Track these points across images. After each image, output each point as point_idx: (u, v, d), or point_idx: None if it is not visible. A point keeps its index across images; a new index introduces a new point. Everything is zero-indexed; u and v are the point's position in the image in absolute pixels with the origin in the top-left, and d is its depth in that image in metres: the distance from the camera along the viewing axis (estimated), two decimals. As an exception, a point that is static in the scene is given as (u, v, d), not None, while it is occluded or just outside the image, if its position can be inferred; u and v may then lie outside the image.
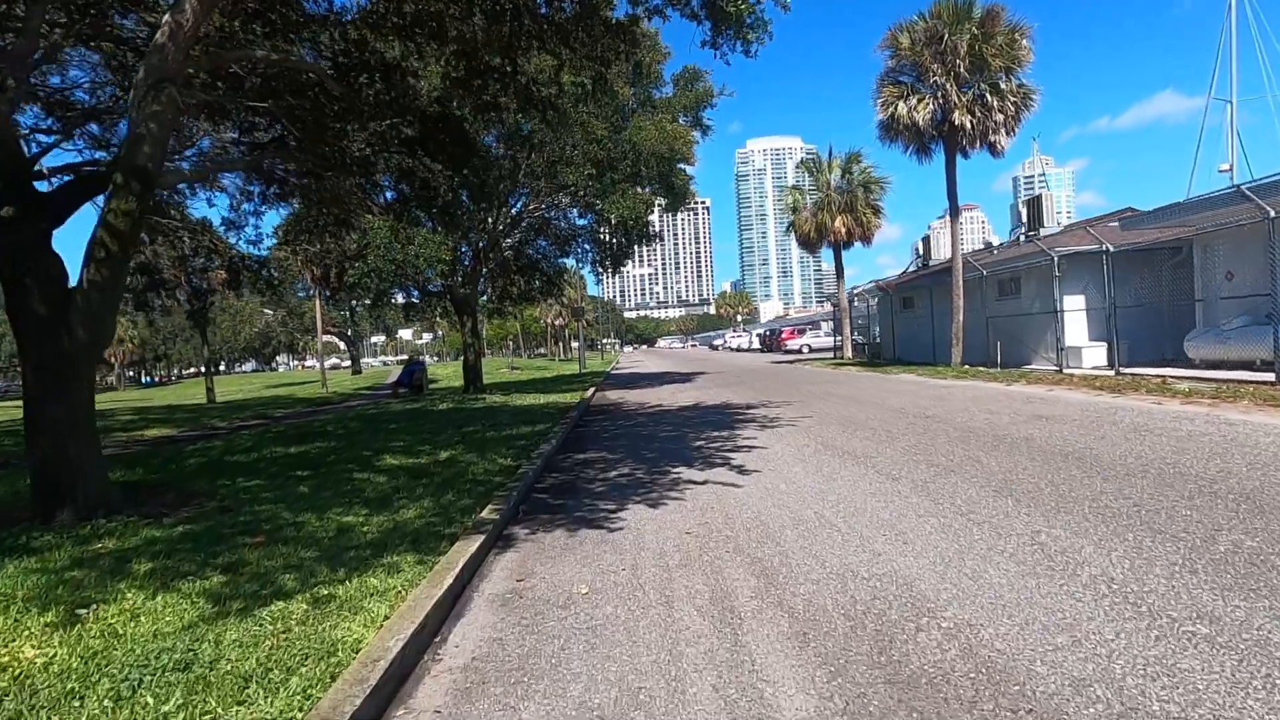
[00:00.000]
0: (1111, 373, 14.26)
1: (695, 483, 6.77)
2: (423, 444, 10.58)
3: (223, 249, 20.49)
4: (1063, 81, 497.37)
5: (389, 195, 11.53)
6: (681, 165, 19.72)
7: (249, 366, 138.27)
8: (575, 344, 53.25)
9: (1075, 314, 16.53)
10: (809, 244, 28.42)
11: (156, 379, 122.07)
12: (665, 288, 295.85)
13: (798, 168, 28.62)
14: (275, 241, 18.67)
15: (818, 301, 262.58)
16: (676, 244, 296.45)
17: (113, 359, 76.79)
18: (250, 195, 18.45)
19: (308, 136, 9.05)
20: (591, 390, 20.51)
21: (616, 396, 19.09)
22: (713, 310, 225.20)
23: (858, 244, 28.84)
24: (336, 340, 72.20)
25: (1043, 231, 19.67)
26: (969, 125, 17.22)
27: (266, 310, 56.74)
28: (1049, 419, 9.22)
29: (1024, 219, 20.99)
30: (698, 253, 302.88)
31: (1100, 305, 15.99)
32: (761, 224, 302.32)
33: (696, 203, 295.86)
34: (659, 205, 20.63)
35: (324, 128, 8.96)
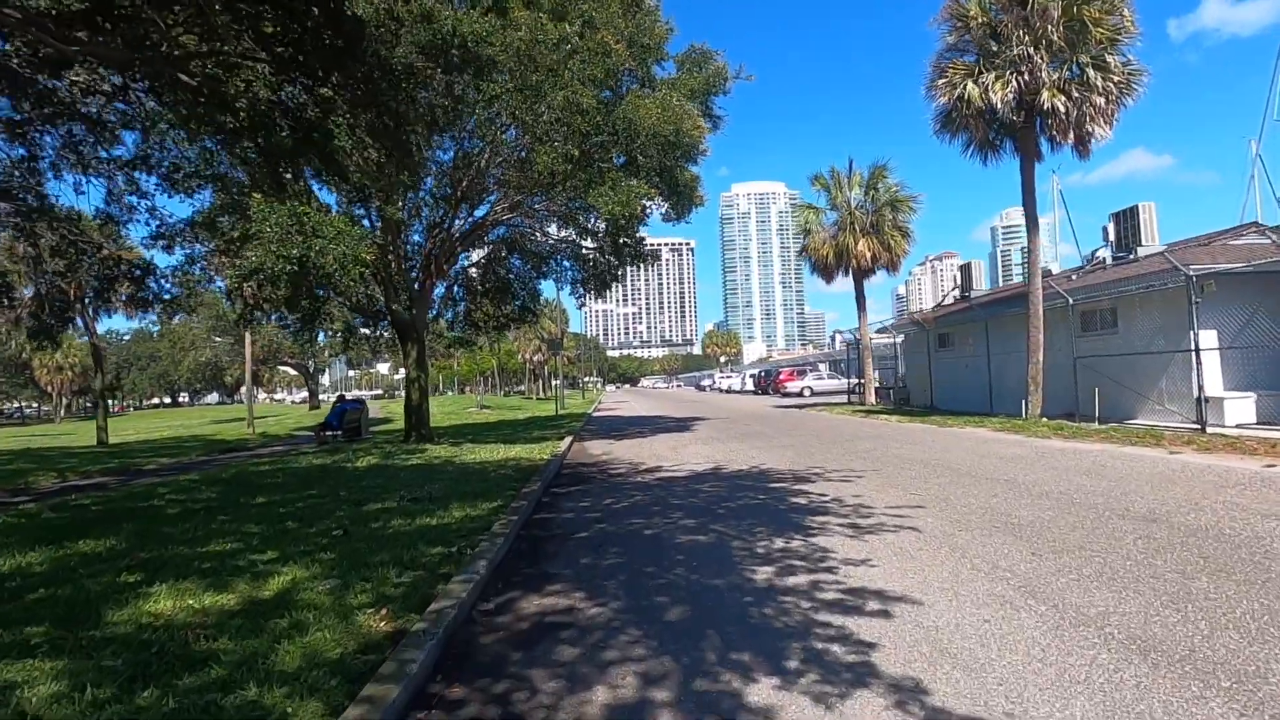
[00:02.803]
0: (1300, 435, 10.11)
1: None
2: (268, 545, 6.13)
3: (108, 253, 15.94)
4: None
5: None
6: (688, 165, 15.65)
7: (213, 398, 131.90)
8: (556, 381, 48.64)
9: (1206, 353, 12.48)
10: (825, 270, 24.42)
11: (115, 409, 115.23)
12: (649, 327, 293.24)
13: (812, 182, 24.87)
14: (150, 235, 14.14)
15: (801, 344, 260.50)
16: (661, 284, 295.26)
17: (49, 388, 70.54)
18: (133, 182, 14.15)
19: None
20: (568, 440, 16.00)
21: (600, 450, 14.59)
22: (697, 350, 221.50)
23: (881, 272, 24.99)
24: (294, 371, 66.89)
25: (1141, 251, 15.85)
26: (1061, 109, 13.39)
27: (216, 338, 51.50)
28: None
29: (1110, 237, 17.20)
30: (682, 293, 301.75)
31: (1245, 344, 12.01)
32: (745, 266, 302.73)
33: (682, 244, 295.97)
34: (659, 209, 16.52)
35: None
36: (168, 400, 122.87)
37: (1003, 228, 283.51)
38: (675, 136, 13.72)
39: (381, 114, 6.18)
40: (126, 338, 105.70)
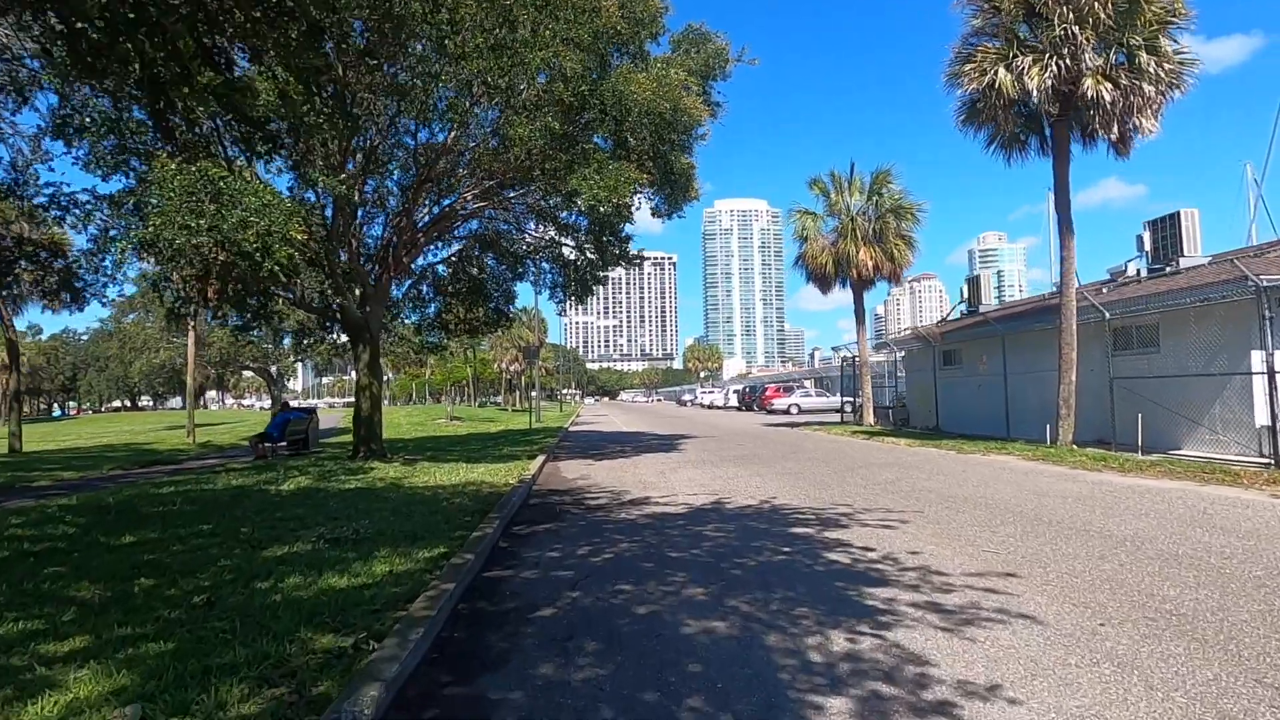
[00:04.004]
0: None
1: None
2: (83, 624, 4.26)
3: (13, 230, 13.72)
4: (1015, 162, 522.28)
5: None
6: (684, 151, 13.85)
7: (176, 402, 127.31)
8: (532, 393, 46.49)
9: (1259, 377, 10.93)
10: (823, 280, 22.80)
11: (72, 412, 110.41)
12: (629, 340, 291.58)
13: (810, 186, 23.30)
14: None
15: (780, 361, 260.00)
16: (643, 297, 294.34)
17: (-7, 388, 66.54)
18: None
19: None
20: (540, 460, 14.03)
21: (576, 473, 12.64)
22: (677, 364, 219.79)
23: (881, 282, 23.46)
24: (257, 376, 63.83)
25: (1182, 262, 14.41)
26: (1107, 98, 11.86)
27: (173, 337, 48.48)
28: None
29: (1145, 247, 15.75)
30: (663, 307, 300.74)
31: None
32: (726, 282, 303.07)
33: (664, 258, 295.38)
34: (649, 200, 14.70)
35: None
36: (128, 404, 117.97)
37: (980, 250, 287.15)
38: (672, 115, 11.96)
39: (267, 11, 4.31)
40: (84, 337, 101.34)
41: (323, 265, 12.55)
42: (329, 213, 13.90)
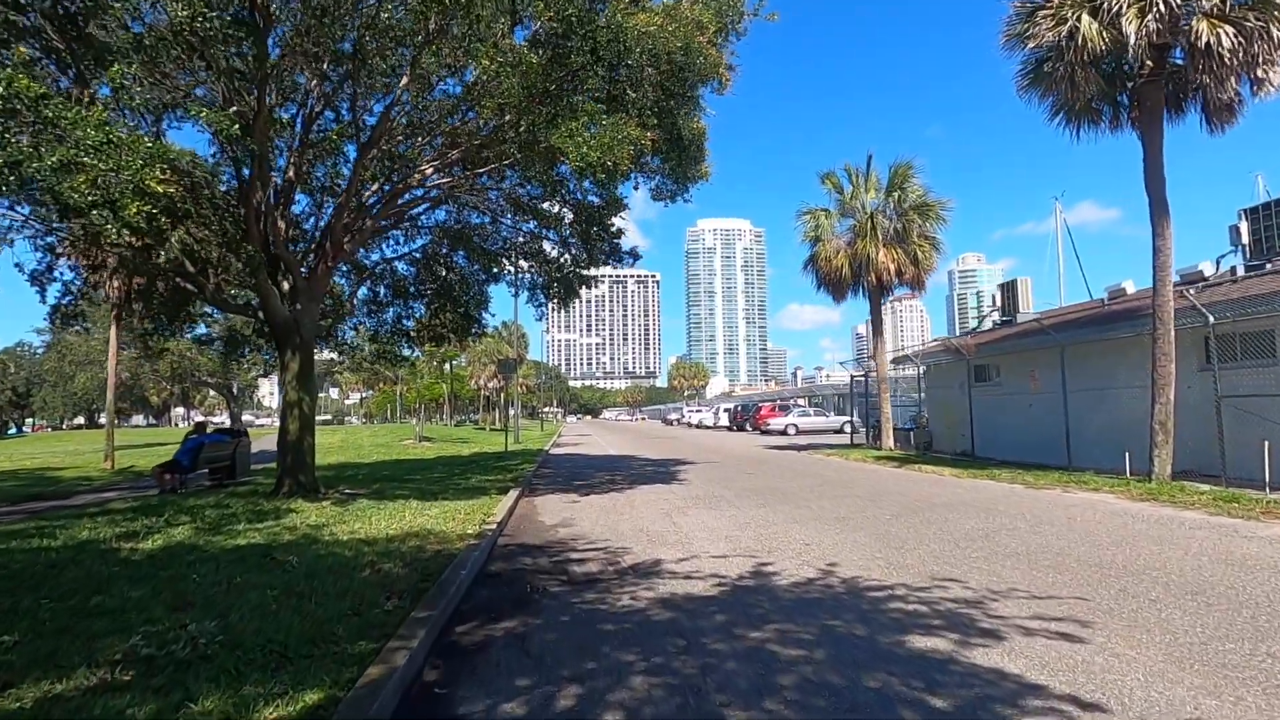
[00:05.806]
0: None
1: None
2: None
3: None
4: (995, 186, 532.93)
5: None
6: (695, 111, 11.22)
7: (138, 420, 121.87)
8: (511, 411, 43.42)
9: None
10: (837, 284, 20.29)
11: (29, 429, 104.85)
12: (612, 358, 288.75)
13: (822, 181, 20.90)
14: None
15: (764, 379, 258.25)
16: (626, 315, 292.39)
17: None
18: None
19: None
20: (513, 496, 11.15)
21: (558, 516, 9.79)
22: (660, 382, 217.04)
23: (893, 292, 21.05)
24: (216, 392, 60.04)
25: (1294, 254, 12.10)
26: (1226, 43, 9.50)
27: (120, 350, 44.77)
28: None
29: (1242, 239, 13.34)
30: (646, 326, 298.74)
31: None
32: (709, 300, 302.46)
33: (648, 276, 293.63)
34: (647, 180, 12.06)
35: None
36: (86, 422, 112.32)
37: (959, 271, 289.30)
38: (684, 56, 9.35)
39: None
40: (40, 350, 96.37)
41: (223, 241, 9.69)
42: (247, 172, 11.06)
